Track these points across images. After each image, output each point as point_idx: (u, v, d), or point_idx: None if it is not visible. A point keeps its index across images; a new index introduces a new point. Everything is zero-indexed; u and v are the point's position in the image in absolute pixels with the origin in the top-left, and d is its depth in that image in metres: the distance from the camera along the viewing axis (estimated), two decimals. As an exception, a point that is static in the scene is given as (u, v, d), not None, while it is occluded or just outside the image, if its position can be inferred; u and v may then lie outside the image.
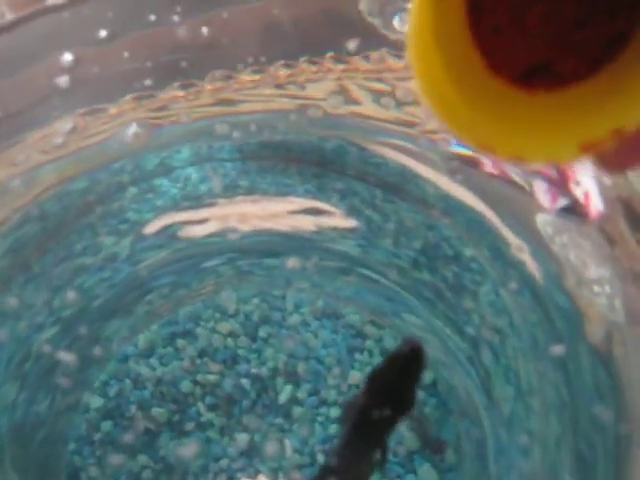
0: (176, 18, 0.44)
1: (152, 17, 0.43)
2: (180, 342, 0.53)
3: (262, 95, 0.51)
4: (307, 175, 0.57)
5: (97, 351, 0.54)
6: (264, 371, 0.53)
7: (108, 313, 0.55)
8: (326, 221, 0.56)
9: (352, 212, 0.56)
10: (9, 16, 0.40)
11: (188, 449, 0.50)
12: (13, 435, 0.49)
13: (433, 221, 0.54)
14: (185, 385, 0.52)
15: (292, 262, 0.55)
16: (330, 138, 0.54)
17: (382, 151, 0.53)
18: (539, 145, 0.26)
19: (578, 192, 0.45)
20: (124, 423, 0.51)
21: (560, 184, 0.46)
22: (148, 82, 0.47)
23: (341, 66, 0.47)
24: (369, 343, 0.54)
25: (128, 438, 0.50)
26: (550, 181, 0.46)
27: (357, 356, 0.53)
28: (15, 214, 0.47)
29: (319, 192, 0.56)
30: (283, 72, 0.48)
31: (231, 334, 0.54)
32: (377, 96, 0.48)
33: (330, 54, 0.46)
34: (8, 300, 0.49)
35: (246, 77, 0.48)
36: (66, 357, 0.52)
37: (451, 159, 0.48)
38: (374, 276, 0.55)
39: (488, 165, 0.48)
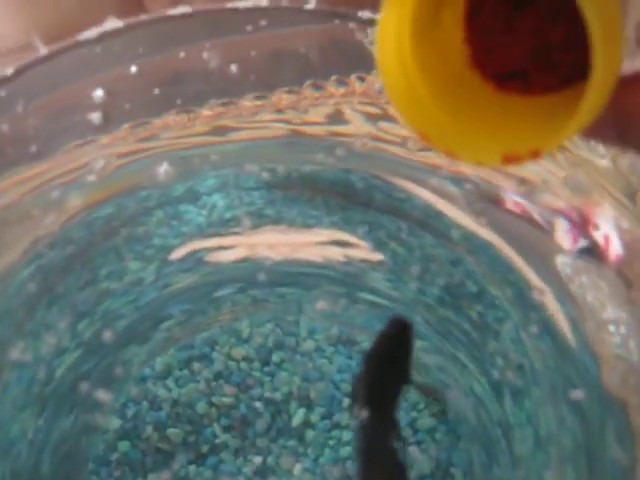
0: (206, 55, 0.45)
1: (182, 54, 0.44)
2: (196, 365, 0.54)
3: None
4: (333, 206, 0.57)
5: (117, 373, 0.55)
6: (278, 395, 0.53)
7: (130, 337, 0.55)
8: (355, 253, 0.56)
9: (379, 246, 0.56)
10: (43, 50, 0.41)
11: (203, 469, 0.50)
12: (32, 463, 0.50)
13: (457, 257, 0.54)
14: (201, 406, 0.53)
15: (321, 293, 0.55)
16: (356, 171, 0.54)
17: (407, 186, 0.53)
18: (469, 144, 0.27)
19: (598, 235, 0.45)
20: (140, 444, 0.52)
21: (581, 226, 0.46)
22: (176, 116, 0.47)
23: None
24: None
25: (143, 458, 0.51)
26: (571, 222, 0.46)
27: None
28: (40, 240, 0.48)
29: (345, 224, 0.57)
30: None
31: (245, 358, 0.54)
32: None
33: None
34: (32, 324, 0.50)
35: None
36: (86, 385, 0.53)
37: (474, 198, 0.48)
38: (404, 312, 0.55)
39: (510, 203, 0.48)
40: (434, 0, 0.27)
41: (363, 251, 0.57)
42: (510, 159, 0.26)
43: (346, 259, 0.57)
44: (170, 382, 0.53)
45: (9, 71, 0.40)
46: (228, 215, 0.56)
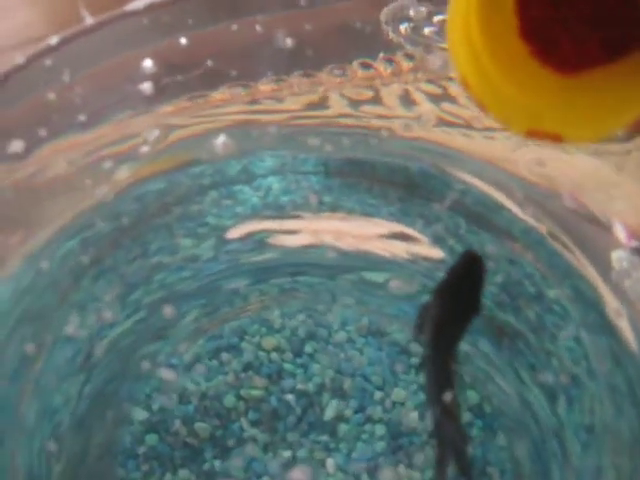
0: (259, 28, 0.44)
1: (234, 27, 0.43)
2: (225, 356, 0.53)
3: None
4: (392, 197, 0.55)
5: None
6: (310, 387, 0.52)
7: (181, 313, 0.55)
8: (417, 249, 0.55)
9: (437, 241, 0.54)
10: (89, 20, 0.40)
11: (230, 465, 0.50)
12: (74, 434, 0.50)
13: (516, 256, 0.52)
14: (229, 400, 0.52)
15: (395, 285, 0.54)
16: (416, 160, 0.53)
17: (466, 178, 0.51)
18: (504, 105, 0.29)
19: None
20: (167, 437, 0.51)
21: (635, 226, 0.46)
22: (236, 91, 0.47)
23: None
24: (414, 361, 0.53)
25: (171, 452, 0.50)
26: (626, 221, 0.46)
27: (401, 375, 0.52)
28: (89, 212, 0.48)
29: (403, 216, 0.55)
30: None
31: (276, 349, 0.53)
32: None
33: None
34: (79, 295, 0.50)
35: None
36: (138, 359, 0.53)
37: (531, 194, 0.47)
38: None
39: (567, 199, 0.47)
40: None
41: (424, 246, 0.55)
42: (534, 134, 0.28)
43: (410, 255, 0.55)
44: (198, 374, 0.52)
45: (54, 40, 0.40)
46: (284, 198, 0.55)
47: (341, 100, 0.48)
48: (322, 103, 0.48)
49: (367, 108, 0.48)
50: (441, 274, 0.50)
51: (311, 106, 0.48)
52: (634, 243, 0.46)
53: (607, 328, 0.47)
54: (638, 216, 0.47)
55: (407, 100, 0.50)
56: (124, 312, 0.53)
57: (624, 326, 0.47)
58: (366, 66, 0.46)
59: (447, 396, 0.42)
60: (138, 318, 0.53)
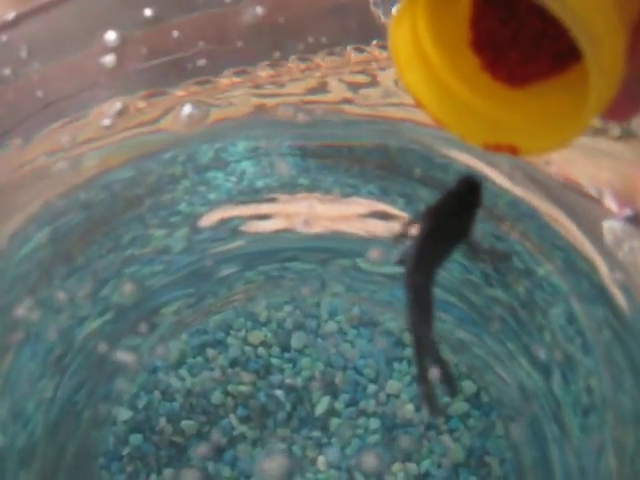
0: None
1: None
2: (210, 352, 0.51)
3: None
4: (371, 176, 0.53)
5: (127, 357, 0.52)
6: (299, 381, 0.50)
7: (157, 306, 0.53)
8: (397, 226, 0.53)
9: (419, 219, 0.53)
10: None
11: (219, 463, 0.47)
12: (48, 436, 0.47)
13: (502, 233, 0.50)
14: (216, 396, 0.49)
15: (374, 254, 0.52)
16: (394, 137, 0.51)
17: (448, 152, 0.50)
18: (461, 120, 0.29)
19: None
20: (153, 436, 0.49)
21: (626, 194, 0.45)
22: (201, 63, 0.45)
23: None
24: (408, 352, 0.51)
25: (156, 451, 0.48)
26: (619, 189, 0.45)
27: (396, 365, 0.50)
28: (57, 200, 0.46)
29: (384, 195, 0.53)
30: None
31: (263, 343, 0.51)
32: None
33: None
34: (50, 291, 0.48)
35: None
36: (113, 354, 0.50)
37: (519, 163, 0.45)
38: (450, 298, 0.51)
39: (556, 172, 0.46)
40: None
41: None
42: (490, 147, 0.28)
43: (391, 234, 0.54)
44: (183, 371, 0.50)
45: (10, 16, 0.38)
46: (259, 183, 0.53)
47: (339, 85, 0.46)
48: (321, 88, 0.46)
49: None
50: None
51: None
52: (626, 212, 0.45)
53: (602, 299, 0.46)
54: (626, 185, 0.46)
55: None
56: (97, 308, 0.51)
57: (619, 296, 0.46)
58: (360, 50, 0.45)
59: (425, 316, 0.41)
60: (112, 314, 0.51)
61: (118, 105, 0.43)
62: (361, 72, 0.49)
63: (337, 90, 0.49)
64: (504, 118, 0.29)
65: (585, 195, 0.47)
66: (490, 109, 0.29)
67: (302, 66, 0.46)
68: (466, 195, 0.41)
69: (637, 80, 0.25)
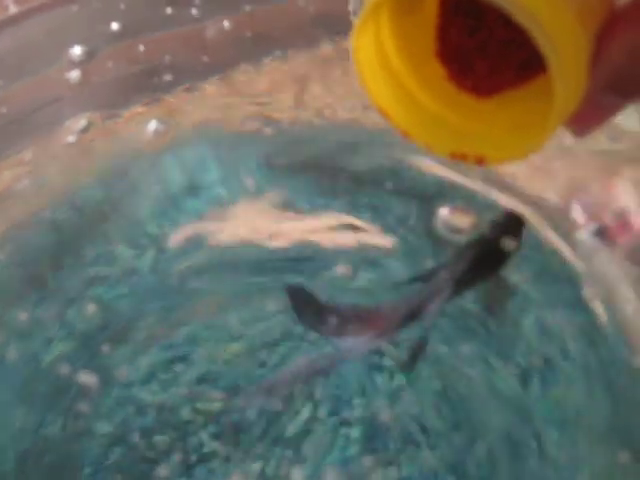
0: (195, 12, 0.41)
1: (168, 10, 0.41)
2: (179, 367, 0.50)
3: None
4: (340, 190, 0.53)
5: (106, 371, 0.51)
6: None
7: (124, 328, 0.52)
8: (366, 238, 0.53)
9: (388, 230, 0.53)
10: (13, 9, 0.37)
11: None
12: (19, 465, 0.46)
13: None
14: (186, 412, 0.48)
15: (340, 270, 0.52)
16: (364, 151, 0.52)
17: (418, 163, 0.50)
18: (427, 130, 0.29)
19: (610, 217, 0.46)
20: (126, 451, 0.48)
21: (596, 207, 0.46)
22: (168, 78, 0.44)
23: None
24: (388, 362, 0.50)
25: (129, 467, 0.47)
26: (586, 202, 0.47)
27: (377, 376, 0.50)
28: (24, 219, 0.45)
29: (353, 208, 0.53)
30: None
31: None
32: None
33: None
34: (18, 315, 0.47)
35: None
36: (80, 377, 0.49)
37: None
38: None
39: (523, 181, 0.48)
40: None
41: (375, 235, 0.53)
42: (456, 157, 0.28)
43: (360, 245, 0.54)
44: (155, 386, 0.49)
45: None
46: (228, 198, 0.53)
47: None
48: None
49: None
50: (393, 261, 0.50)
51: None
52: (593, 225, 0.47)
53: (573, 309, 0.47)
54: (597, 198, 0.47)
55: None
56: (65, 328, 0.50)
57: (589, 306, 0.47)
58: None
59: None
60: (81, 331, 0.50)
61: (83, 122, 0.42)
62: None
63: (304, 101, 0.49)
64: (470, 128, 0.29)
65: (554, 208, 0.48)
66: (456, 119, 0.29)
67: (269, 78, 0.46)
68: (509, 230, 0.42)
69: (600, 88, 0.25)
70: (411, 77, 0.29)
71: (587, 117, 0.26)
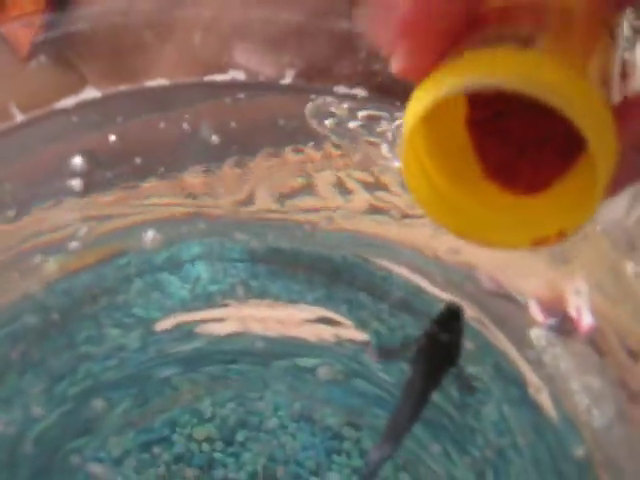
0: (186, 126, 0.45)
1: (162, 124, 0.45)
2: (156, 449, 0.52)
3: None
4: (316, 283, 0.57)
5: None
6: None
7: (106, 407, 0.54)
8: (343, 332, 0.56)
9: (361, 324, 0.56)
10: (19, 117, 0.41)
11: None
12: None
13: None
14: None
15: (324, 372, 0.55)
16: (338, 250, 0.55)
17: (388, 265, 0.53)
18: (499, 233, 0.29)
19: (569, 308, 0.48)
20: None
21: (550, 302, 0.48)
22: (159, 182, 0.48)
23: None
24: (347, 445, 0.53)
25: None
26: (541, 299, 0.48)
27: (335, 458, 0.52)
28: (15, 302, 0.48)
29: (328, 301, 0.56)
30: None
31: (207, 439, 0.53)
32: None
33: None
34: (4, 390, 0.49)
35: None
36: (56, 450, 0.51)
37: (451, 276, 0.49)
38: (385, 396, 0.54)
39: (485, 281, 0.49)
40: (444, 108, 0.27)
41: (349, 329, 0.56)
42: (539, 242, 0.28)
43: (336, 338, 0.57)
44: (128, 469, 0.51)
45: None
46: (212, 287, 0.56)
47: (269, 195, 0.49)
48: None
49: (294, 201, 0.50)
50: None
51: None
52: (550, 320, 0.49)
53: (528, 404, 0.49)
54: (552, 293, 0.49)
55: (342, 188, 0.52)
56: (50, 405, 0.52)
57: (544, 401, 0.49)
58: (298, 151, 0.48)
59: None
60: (65, 410, 0.52)
61: (83, 229, 0.45)
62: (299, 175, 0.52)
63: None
64: (539, 212, 0.29)
65: (512, 303, 0.50)
66: (506, 217, 0.29)
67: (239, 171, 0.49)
68: (449, 323, 0.44)
69: (629, 147, 0.26)
70: (462, 196, 0.29)
71: (621, 179, 0.27)
